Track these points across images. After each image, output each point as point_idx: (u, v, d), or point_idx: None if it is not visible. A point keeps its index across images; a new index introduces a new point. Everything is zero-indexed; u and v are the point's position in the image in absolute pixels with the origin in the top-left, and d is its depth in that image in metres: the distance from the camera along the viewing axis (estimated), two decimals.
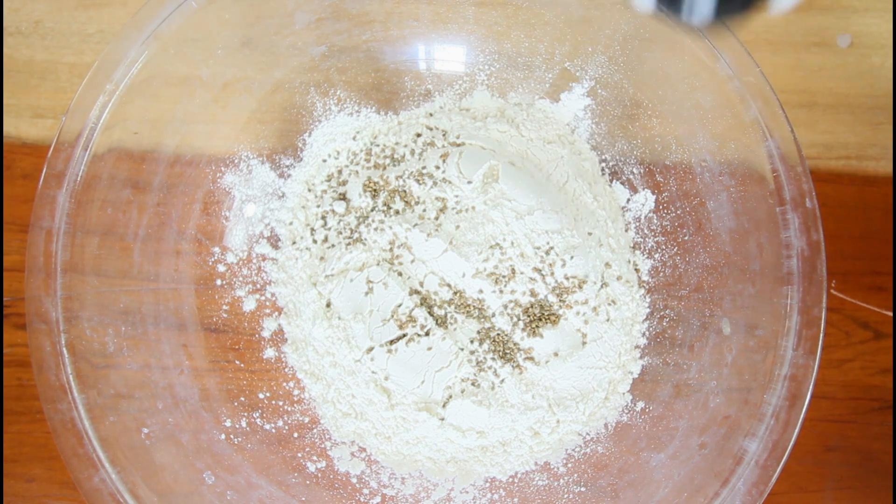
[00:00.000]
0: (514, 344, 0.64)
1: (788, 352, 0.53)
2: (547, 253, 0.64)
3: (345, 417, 0.65)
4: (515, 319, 0.64)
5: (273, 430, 0.64)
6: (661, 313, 0.65)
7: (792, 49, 0.72)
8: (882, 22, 0.72)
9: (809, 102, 0.72)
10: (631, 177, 0.67)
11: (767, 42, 0.72)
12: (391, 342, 0.63)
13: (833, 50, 0.72)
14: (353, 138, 0.69)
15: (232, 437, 0.62)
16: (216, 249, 0.67)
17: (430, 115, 0.70)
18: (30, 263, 0.54)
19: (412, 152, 0.68)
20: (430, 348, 0.63)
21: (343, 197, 0.68)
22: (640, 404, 0.64)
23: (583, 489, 0.63)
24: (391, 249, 0.65)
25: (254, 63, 0.65)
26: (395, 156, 0.68)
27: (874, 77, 0.72)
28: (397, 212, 0.66)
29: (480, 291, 0.64)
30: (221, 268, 0.67)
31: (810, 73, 0.72)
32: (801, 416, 0.52)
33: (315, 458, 0.64)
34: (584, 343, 0.65)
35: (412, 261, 0.65)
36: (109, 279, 0.59)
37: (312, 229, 0.68)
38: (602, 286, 0.65)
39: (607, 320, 0.65)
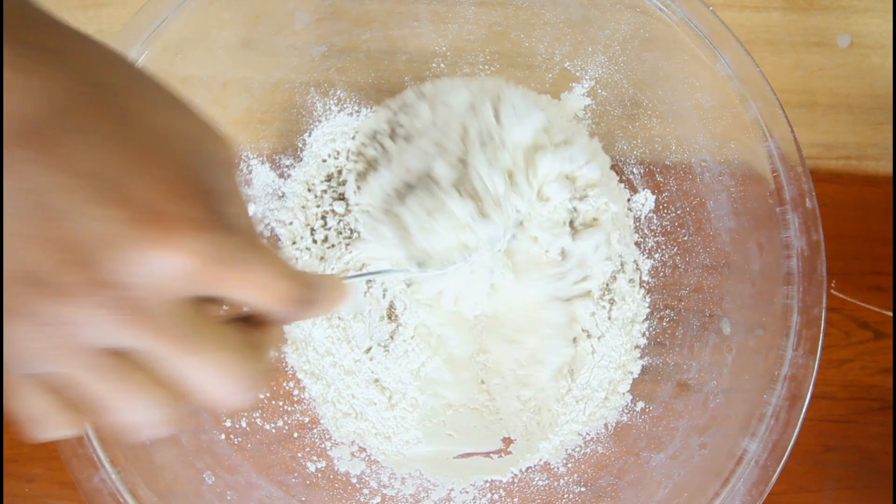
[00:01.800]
0: None
1: (788, 352, 0.53)
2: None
3: (345, 417, 0.65)
4: None
5: (273, 430, 0.64)
6: (661, 313, 0.66)
7: (791, 49, 0.72)
8: (882, 22, 0.72)
9: (809, 102, 0.72)
10: (631, 177, 0.67)
11: (767, 42, 0.72)
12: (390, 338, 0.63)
13: (833, 50, 0.72)
14: (353, 138, 0.69)
15: (232, 437, 0.62)
16: None
17: None
18: None
19: None
20: None
21: (343, 197, 0.68)
22: (640, 404, 0.64)
23: (583, 489, 0.63)
24: None
25: (254, 63, 0.65)
26: None
27: (874, 77, 0.72)
28: None
29: None
30: None
31: (810, 72, 0.72)
32: (801, 416, 0.52)
33: (315, 458, 0.64)
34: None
35: None
36: None
37: (312, 229, 0.68)
38: (612, 280, 0.65)
39: (608, 318, 0.65)
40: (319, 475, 0.64)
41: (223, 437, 0.62)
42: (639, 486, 0.60)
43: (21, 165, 0.27)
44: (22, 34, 0.29)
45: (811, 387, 0.52)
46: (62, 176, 0.27)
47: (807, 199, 0.54)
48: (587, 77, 0.66)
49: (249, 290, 0.31)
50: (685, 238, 0.64)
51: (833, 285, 0.67)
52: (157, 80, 0.34)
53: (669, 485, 0.58)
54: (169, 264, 0.28)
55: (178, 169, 0.30)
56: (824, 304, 0.53)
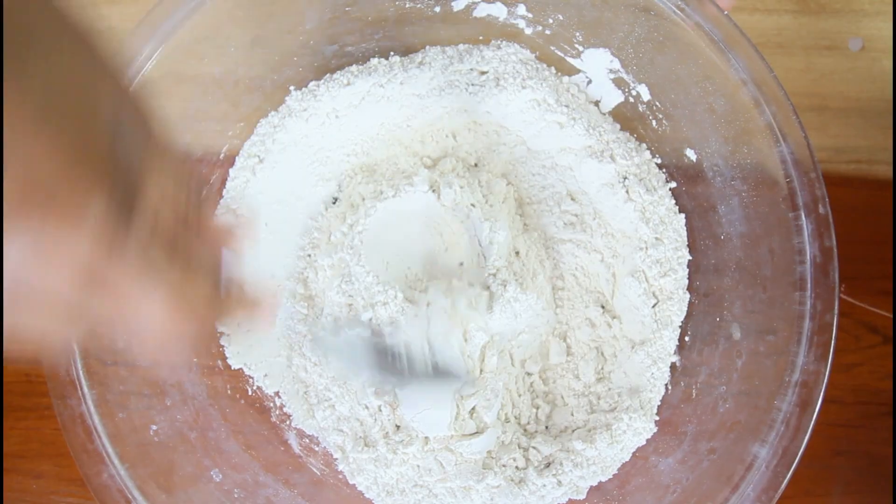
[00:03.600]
0: None
1: (799, 357, 0.53)
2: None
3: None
4: None
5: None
6: None
7: (803, 52, 0.72)
8: (893, 26, 0.72)
9: (820, 106, 0.72)
10: None
11: (778, 45, 0.72)
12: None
13: (844, 53, 0.72)
14: None
15: (239, 435, 0.62)
16: None
17: None
18: None
19: None
20: None
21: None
22: None
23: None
24: None
25: (265, 61, 0.65)
26: None
27: (885, 81, 0.72)
28: None
29: None
30: None
31: (821, 76, 0.72)
32: (812, 422, 0.52)
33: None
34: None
35: None
36: None
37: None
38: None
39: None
40: (327, 474, 0.64)
41: (231, 435, 0.62)
42: (647, 490, 0.60)
43: None
44: None
45: (822, 393, 0.52)
46: None
47: (820, 205, 0.54)
48: (599, 79, 0.66)
49: None
50: (696, 242, 0.64)
51: (842, 289, 0.67)
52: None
53: (678, 489, 0.58)
54: None
55: (74, 133, 0.28)
56: (836, 311, 0.53)
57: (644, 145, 0.66)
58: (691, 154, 0.64)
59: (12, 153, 0.25)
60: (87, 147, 0.28)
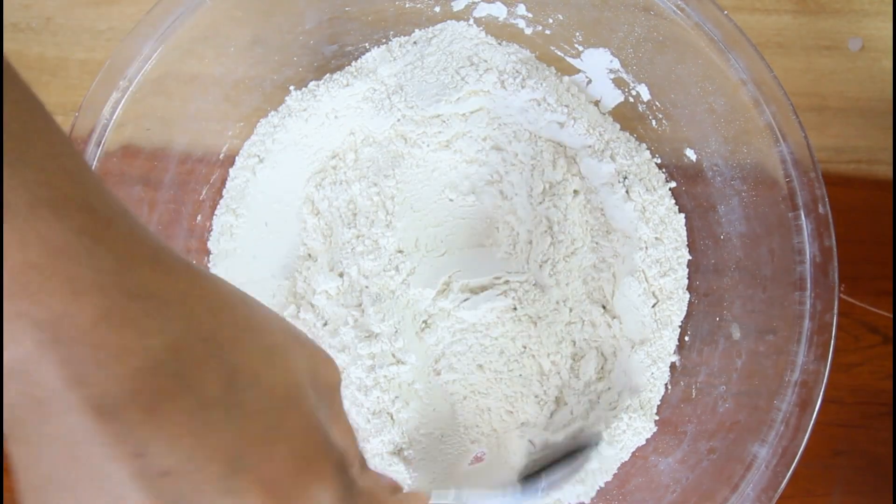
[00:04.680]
0: None
1: (799, 357, 0.53)
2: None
3: None
4: None
5: None
6: None
7: (802, 52, 0.72)
8: (893, 26, 0.72)
9: (820, 106, 0.72)
10: None
11: (778, 45, 0.72)
12: None
13: (844, 53, 0.72)
14: None
15: None
16: None
17: None
18: None
19: None
20: None
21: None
22: None
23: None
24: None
25: (265, 61, 0.65)
26: None
27: (885, 81, 0.72)
28: None
29: None
30: None
31: (821, 76, 0.72)
32: (812, 422, 0.52)
33: None
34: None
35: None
36: None
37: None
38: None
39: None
40: None
41: None
42: (647, 489, 0.60)
43: (135, 433, 0.25)
44: (125, 277, 0.25)
45: (822, 393, 0.52)
46: (180, 450, 0.25)
47: (819, 205, 0.54)
48: (598, 79, 0.66)
49: None
50: (696, 242, 0.64)
51: (842, 289, 0.67)
52: (263, 313, 0.31)
53: (678, 489, 0.58)
54: None
55: (297, 439, 0.29)
56: (836, 310, 0.53)
57: (644, 145, 0.66)
58: (691, 154, 0.64)
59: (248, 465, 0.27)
60: (312, 449, 0.30)
